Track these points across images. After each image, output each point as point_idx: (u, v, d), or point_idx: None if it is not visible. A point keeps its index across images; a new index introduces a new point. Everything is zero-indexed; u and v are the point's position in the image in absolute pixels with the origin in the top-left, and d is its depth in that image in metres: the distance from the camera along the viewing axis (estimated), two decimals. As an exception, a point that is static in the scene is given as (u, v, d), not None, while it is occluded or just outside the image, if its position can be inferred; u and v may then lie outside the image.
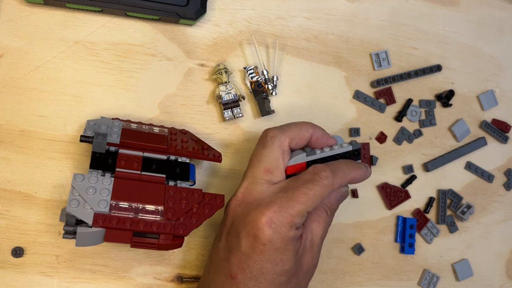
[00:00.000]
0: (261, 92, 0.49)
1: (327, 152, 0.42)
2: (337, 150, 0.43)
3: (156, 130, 0.44)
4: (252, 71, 0.49)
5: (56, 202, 0.43)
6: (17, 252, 0.41)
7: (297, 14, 0.53)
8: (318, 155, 0.42)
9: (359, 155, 0.44)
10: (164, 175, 0.41)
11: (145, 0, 0.45)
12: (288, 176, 0.41)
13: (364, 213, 0.52)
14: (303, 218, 0.38)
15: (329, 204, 0.41)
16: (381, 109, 0.54)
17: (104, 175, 0.39)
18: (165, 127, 0.45)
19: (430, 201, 0.55)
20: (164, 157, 0.42)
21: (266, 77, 0.49)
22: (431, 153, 0.56)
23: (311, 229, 0.40)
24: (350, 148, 0.43)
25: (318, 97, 0.52)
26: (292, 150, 0.42)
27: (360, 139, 0.53)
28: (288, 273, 0.38)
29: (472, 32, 0.60)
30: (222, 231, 0.40)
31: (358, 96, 0.53)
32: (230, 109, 0.48)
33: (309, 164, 0.42)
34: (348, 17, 0.55)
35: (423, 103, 0.56)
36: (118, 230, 0.37)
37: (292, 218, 0.37)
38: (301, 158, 0.42)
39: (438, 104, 0.57)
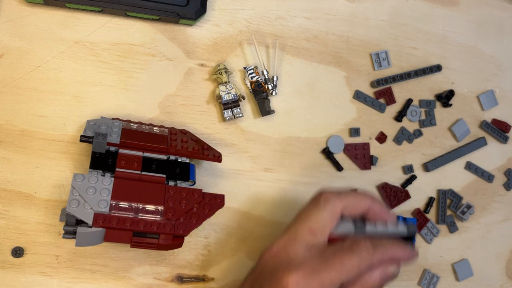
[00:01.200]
0: (261, 92, 0.49)
1: (378, 231, 0.39)
2: (389, 231, 0.40)
3: (156, 130, 0.44)
4: (252, 71, 0.49)
5: (56, 202, 0.43)
6: (17, 252, 0.41)
7: (297, 14, 0.53)
8: (368, 233, 0.39)
9: (413, 239, 0.41)
10: (164, 175, 0.41)
11: (145, 0, 0.45)
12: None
13: (364, 213, 0.52)
14: (334, 287, 0.35)
15: (370, 282, 0.37)
16: (381, 109, 0.54)
17: (104, 175, 0.39)
18: (165, 127, 0.45)
19: (430, 201, 0.55)
20: (164, 157, 0.42)
21: (266, 77, 0.49)
22: (431, 153, 0.56)
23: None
24: (405, 232, 0.40)
25: (318, 97, 0.52)
26: (342, 217, 0.40)
27: (360, 139, 0.53)
28: None
29: (472, 32, 0.60)
30: (249, 278, 0.39)
31: (358, 96, 0.53)
32: (230, 109, 0.48)
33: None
34: (348, 17, 0.55)
35: (423, 103, 0.56)
36: (118, 230, 0.37)
37: (322, 285, 0.34)
38: (348, 230, 0.39)
39: (438, 104, 0.57)
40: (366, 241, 0.37)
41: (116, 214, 0.37)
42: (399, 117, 0.54)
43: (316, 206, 0.38)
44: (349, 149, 0.52)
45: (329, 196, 0.38)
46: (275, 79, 0.50)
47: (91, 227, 0.36)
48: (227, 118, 0.47)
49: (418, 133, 0.55)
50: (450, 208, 0.56)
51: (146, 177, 0.40)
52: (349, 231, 0.39)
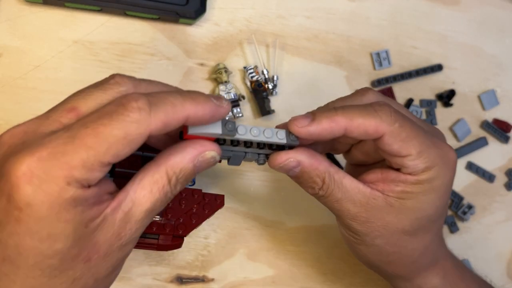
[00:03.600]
0: (261, 92, 0.49)
1: (253, 137, 0.31)
2: (265, 137, 0.32)
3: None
4: (252, 70, 0.49)
5: (55, 202, 0.43)
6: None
7: (297, 13, 0.53)
8: (240, 138, 0.31)
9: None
10: (163, 175, 0.41)
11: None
12: None
13: (364, 213, 0.52)
14: (95, 172, 0.24)
15: (178, 169, 0.28)
16: (382, 109, 0.54)
17: (103, 175, 0.39)
18: (165, 127, 0.45)
19: (431, 201, 0.55)
20: (163, 157, 0.42)
21: (266, 76, 0.49)
22: (432, 153, 0.56)
23: (135, 197, 0.27)
24: (284, 140, 0.32)
25: (319, 96, 0.52)
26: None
27: (360, 139, 0.53)
28: (63, 254, 0.25)
29: (474, 31, 0.59)
30: None
31: (359, 95, 0.53)
32: (230, 109, 0.47)
33: (223, 143, 0.31)
34: (348, 17, 0.54)
35: (424, 103, 0.56)
36: (117, 230, 0.37)
37: (69, 170, 0.23)
38: (214, 130, 0.29)
39: (439, 103, 0.57)
40: (140, 98, 0.25)
41: (115, 215, 0.37)
42: (399, 116, 0.54)
43: (114, 116, 0.24)
44: (349, 149, 0.52)
45: (141, 108, 0.25)
46: (275, 78, 0.50)
47: None
48: (227, 118, 0.47)
49: (419, 133, 0.55)
50: (451, 208, 0.56)
51: (145, 177, 0.40)
52: (214, 133, 0.29)
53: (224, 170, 0.48)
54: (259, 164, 0.35)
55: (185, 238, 0.40)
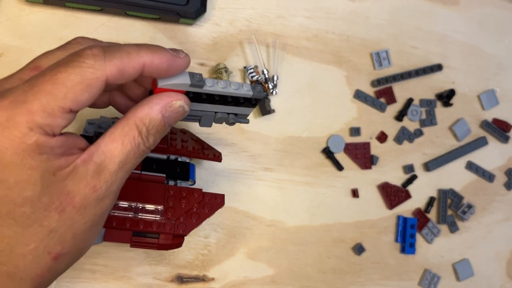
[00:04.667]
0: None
1: (219, 89, 0.32)
2: (232, 89, 0.32)
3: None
4: (252, 70, 0.49)
5: (56, 201, 0.43)
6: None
7: (297, 13, 0.53)
8: (208, 87, 0.31)
9: (255, 106, 0.35)
10: (164, 175, 0.41)
11: (145, -1, 0.45)
12: None
13: (364, 213, 0.52)
14: (57, 118, 0.25)
15: (147, 120, 0.28)
16: (382, 109, 0.54)
17: (103, 175, 0.39)
18: (165, 127, 0.45)
19: (431, 200, 0.55)
20: (164, 156, 0.42)
21: (267, 76, 0.49)
22: (432, 153, 0.56)
23: (106, 149, 0.27)
24: (250, 93, 0.33)
25: (319, 96, 0.52)
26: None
27: (360, 139, 0.53)
28: (34, 202, 0.25)
29: (473, 31, 0.59)
30: None
31: (359, 95, 0.53)
32: (230, 109, 0.47)
33: (192, 97, 0.31)
34: (348, 16, 0.54)
35: (424, 103, 0.56)
36: (118, 230, 0.37)
37: (30, 115, 0.24)
38: (182, 80, 0.30)
39: (438, 103, 0.57)
40: (94, 47, 0.26)
41: (115, 214, 0.37)
42: (399, 116, 0.54)
43: (70, 63, 0.25)
44: (349, 149, 0.52)
45: (96, 54, 0.26)
46: (275, 78, 0.50)
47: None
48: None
49: (418, 133, 0.55)
50: (450, 208, 0.56)
51: (146, 176, 0.40)
52: (182, 84, 0.30)
53: (224, 169, 0.48)
54: (230, 124, 0.35)
55: (185, 237, 0.40)
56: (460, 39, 0.59)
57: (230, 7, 0.50)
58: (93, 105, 0.34)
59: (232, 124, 0.35)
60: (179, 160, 0.43)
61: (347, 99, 0.53)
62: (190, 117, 0.34)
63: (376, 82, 0.54)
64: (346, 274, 0.51)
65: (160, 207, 0.39)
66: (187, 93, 0.31)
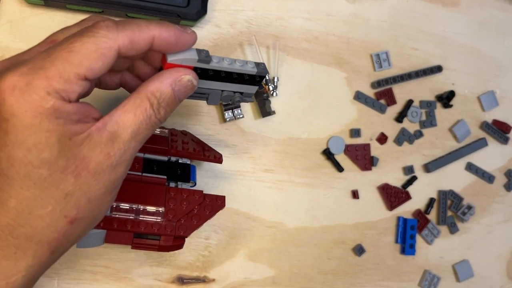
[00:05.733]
0: (261, 93, 0.49)
1: (224, 65, 0.33)
2: (237, 66, 0.34)
3: (157, 131, 0.44)
4: (252, 72, 0.49)
5: (57, 203, 0.43)
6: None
7: (297, 15, 0.53)
8: (215, 63, 0.33)
9: (259, 83, 0.36)
10: (165, 177, 0.41)
11: (146, 1, 0.45)
12: None
13: (364, 214, 0.52)
14: (73, 84, 0.26)
15: (158, 93, 0.29)
16: (382, 110, 0.54)
17: (104, 177, 0.39)
18: (166, 128, 0.45)
19: (431, 202, 0.55)
20: (165, 158, 0.42)
21: (267, 78, 0.49)
22: (432, 154, 0.56)
23: (120, 119, 0.28)
24: (254, 70, 0.35)
25: (319, 98, 0.52)
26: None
27: (360, 140, 0.53)
28: (51, 165, 0.26)
29: (473, 33, 0.60)
30: None
31: (359, 97, 0.53)
32: (230, 110, 0.48)
33: (200, 74, 0.33)
34: (348, 18, 0.55)
35: (424, 104, 0.56)
36: (119, 231, 0.37)
37: (48, 80, 0.25)
38: (190, 57, 0.31)
39: (438, 105, 0.57)
40: (107, 19, 0.28)
41: (117, 216, 0.37)
42: (399, 118, 0.54)
43: (85, 34, 0.27)
44: (349, 150, 0.52)
45: (109, 25, 0.28)
46: (275, 80, 0.50)
47: (92, 228, 0.36)
48: (227, 119, 0.47)
49: (418, 134, 0.55)
50: (450, 209, 0.56)
51: (147, 178, 0.40)
52: (190, 59, 0.31)
53: (225, 171, 0.48)
54: (236, 102, 0.37)
55: (186, 239, 0.40)
56: (460, 41, 0.59)
57: (230, 9, 0.51)
58: (105, 85, 0.35)
59: (238, 102, 0.37)
60: (180, 161, 0.43)
61: (347, 100, 0.53)
62: (197, 95, 0.35)
63: (376, 84, 0.54)
64: (347, 275, 0.51)
65: (161, 209, 0.39)
66: (195, 69, 0.32)
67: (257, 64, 0.35)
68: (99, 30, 0.27)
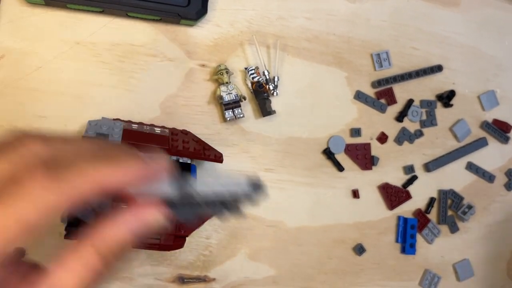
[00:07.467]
0: (262, 93, 0.49)
1: (211, 193, 0.25)
2: (227, 192, 0.25)
3: (157, 130, 0.44)
4: (253, 71, 0.49)
5: (58, 202, 0.43)
6: (19, 253, 0.41)
7: (298, 14, 0.53)
8: (196, 194, 0.25)
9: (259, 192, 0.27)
10: (165, 176, 0.41)
11: (146, 1, 0.45)
12: None
13: (365, 214, 0.52)
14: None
15: (109, 243, 0.22)
16: (382, 110, 0.54)
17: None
18: (166, 128, 0.45)
19: (431, 201, 0.55)
20: (165, 157, 0.42)
21: (267, 77, 0.49)
22: (432, 153, 0.56)
23: (55, 283, 0.21)
24: (247, 193, 0.26)
25: (319, 97, 0.52)
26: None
27: (361, 139, 0.53)
28: None
29: (473, 32, 0.60)
30: None
31: (359, 96, 0.53)
32: (231, 110, 0.48)
33: (173, 206, 0.24)
34: (349, 18, 0.55)
35: (424, 104, 0.56)
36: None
37: None
38: (161, 192, 0.24)
39: (439, 104, 0.57)
40: (31, 155, 0.20)
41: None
42: (400, 117, 0.54)
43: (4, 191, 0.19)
44: (350, 150, 0.52)
45: (37, 177, 0.19)
46: (276, 79, 0.50)
47: None
48: (228, 119, 0.47)
49: (419, 133, 0.55)
50: (451, 208, 0.56)
51: (147, 177, 0.40)
52: (161, 193, 0.24)
53: (225, 170, 0.48)
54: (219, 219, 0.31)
55: (187, 238, 0.40)
56: (460, 40, 0.59)
57: (231, 9, 0.51)
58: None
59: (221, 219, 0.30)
60: (180, 161, 0.43)
61: (348, 100, 0.53)
62: None
63: (376, 83, 0.54)
64: (347, 275, 0.51)
65: (161, 208, 0.39)
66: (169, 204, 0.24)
67: (253, 181, 0.26)
68: (30, 183, 0.19)
